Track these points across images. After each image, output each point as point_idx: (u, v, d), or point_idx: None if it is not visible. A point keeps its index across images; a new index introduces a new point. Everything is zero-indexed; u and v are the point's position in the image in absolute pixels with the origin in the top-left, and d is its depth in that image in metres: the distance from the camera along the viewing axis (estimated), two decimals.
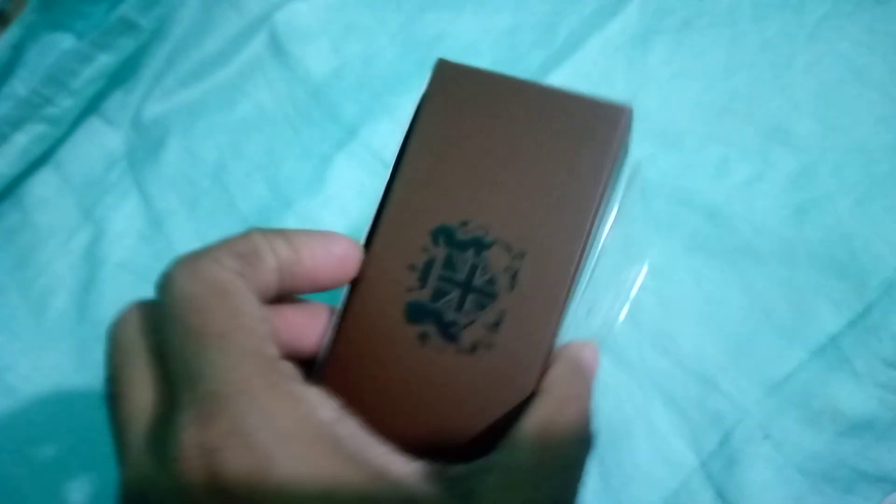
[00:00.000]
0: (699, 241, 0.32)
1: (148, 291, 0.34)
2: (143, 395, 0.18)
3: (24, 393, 0.34)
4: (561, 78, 0.33)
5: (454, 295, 0.19)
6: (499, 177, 0.20)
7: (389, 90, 0.34)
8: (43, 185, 0.36)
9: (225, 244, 0.18)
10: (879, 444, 0.30)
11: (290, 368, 0.18)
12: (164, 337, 0.18)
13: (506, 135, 0.20)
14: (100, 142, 0.36)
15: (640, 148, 0.33)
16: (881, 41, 0.32)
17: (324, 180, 0.34)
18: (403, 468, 0.17)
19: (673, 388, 0.31)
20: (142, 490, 0.17)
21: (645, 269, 0.32)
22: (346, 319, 0.20)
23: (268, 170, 0.35)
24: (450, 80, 0.20)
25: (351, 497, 0.15)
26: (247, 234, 0.19)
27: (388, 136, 0.34)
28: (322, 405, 0.17)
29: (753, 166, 0.32)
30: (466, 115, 0.20)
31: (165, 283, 0.18)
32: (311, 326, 0.20)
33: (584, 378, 0.20)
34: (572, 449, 0.18)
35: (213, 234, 0.34)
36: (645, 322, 0.32)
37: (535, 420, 0.18)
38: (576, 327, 0.23)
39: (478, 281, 0.19)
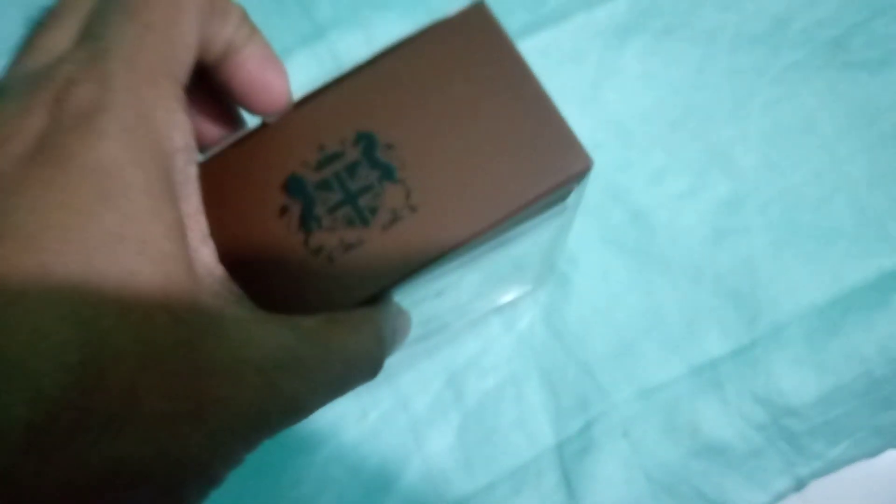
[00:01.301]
0: (618, 236, 0.32)
1: None
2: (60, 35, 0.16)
3: None
4: (536, 43, 0.33)
5: (335, 197, 0.19)
6: (447, 134, 0.19)
7: (369, 3, 0.34)
8: None
9: None
10: (727, 472, 0.31)
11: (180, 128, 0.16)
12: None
13: (479, 105, 0.20)
14: None
15: (590, 134, 0.33)
16: (839, 101, 0.33)
17: None
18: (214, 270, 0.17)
19: (552, 366, 0.31)
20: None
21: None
22: (239, 146, 0.19)
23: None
24: (470, 26, 0.20)
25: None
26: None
27: (355, 46, 0.33)
28: (178, 147, 0.16)
29: (689, 182, 0.33)
30: (462, 62, 0.20)
31: None
32: (219, 123, 0.19)
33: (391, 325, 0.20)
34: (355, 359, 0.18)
35: None
36: (543, 299, 0.32)
37: (329, 319, 0.18)
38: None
39: (363, 202, 0.19)
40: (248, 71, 0.18)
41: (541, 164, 0.19)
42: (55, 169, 0.14)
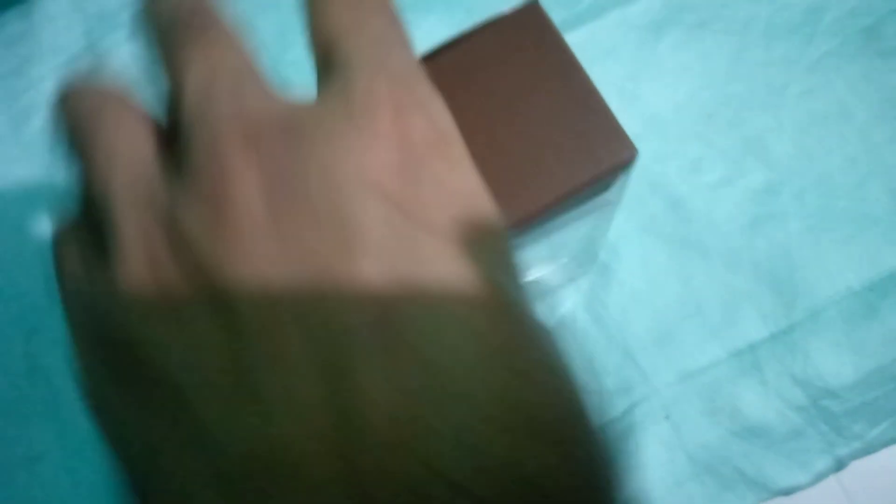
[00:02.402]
0: (656, 225, 0.33)
1: None
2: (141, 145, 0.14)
3: None
4: (573, 39, 0.34)
5: None
6: (498, 123, 0.20)
7: (411, 6, 0.35)
8: (55, 3, 0.36)
9: None
10: (766, 452, 0.32)
11: None
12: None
13: (530, 96, 0.20)
14: None
15: (627, 127, 0.34)
16: (873, 89, 0.34)
17: None
18: None
19: (594, 350, 0.32)
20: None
21: None
22: None
23: (274, 50, 0.35)
24: (524, 23, 0.20)
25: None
26: None
27: None
28: None
29: (725, 171, 0.33)
30: (515, 56, 0.20)
31: None
32: None
33: None
34: None
35: None
36: (585, 287, 0.33)
37: None
38: None
39: None
40: None
41: (588, 153, 0.20)
42: None
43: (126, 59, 0.36)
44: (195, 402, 0.12)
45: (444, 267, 0.13)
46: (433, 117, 0.15)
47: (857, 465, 0.32)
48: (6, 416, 0.33)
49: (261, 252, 0.12)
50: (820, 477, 0.32)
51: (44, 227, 0.34)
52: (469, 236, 0.14)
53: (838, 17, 0.34)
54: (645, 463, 0.31)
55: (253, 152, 0.13)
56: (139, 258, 0.13)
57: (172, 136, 0.14)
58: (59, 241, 0.15)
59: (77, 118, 0.15)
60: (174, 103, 0.15)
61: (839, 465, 0.32)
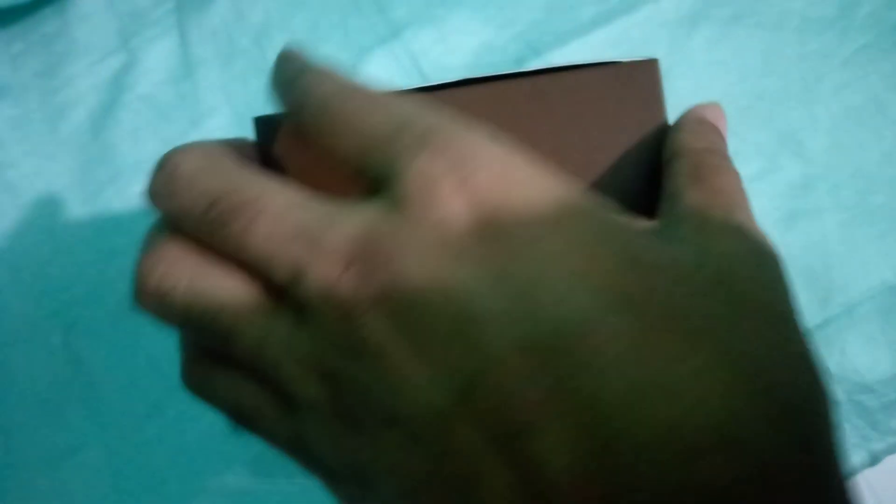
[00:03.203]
0: None
1: (164, 128, 0.35)
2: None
3: (23, 192, 0.35)
4: (606, 35, 0.34)
5: None
6: (564, 160, 0.19)
7: (442, 2, 0.35)
8: (89, 1, 0.36)
9: None
10: None
11: None
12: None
13: (606, 146, 0.20)
14: None
15: None
16: None
17: (358, 69, 0.35)
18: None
19: None
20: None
21: None
22: None
23: (307, 46, 0.35)
24: (634, 77, 0.21)
25: (577, 202, 0.15)
26: None
27: (429, 44, 0.35)
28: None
29: (760, 166, 0.33)
30: (610, 105, 0.20)
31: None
32: None
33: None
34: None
35: (239, 93, 0.36)
36: None
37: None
38: None
39: None
40: None
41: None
42: None
43: (157, 57, 0.36)
44: None
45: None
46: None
47: (891, 461, 0.32)
48: (46, 406, 0.33)
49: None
50: (854, 471, 0.32)
51: (79, 222, 0.34)
52: None
53: (873, 10, 0.34)
54: None
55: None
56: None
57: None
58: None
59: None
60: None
61: (874, 460, 0.32)
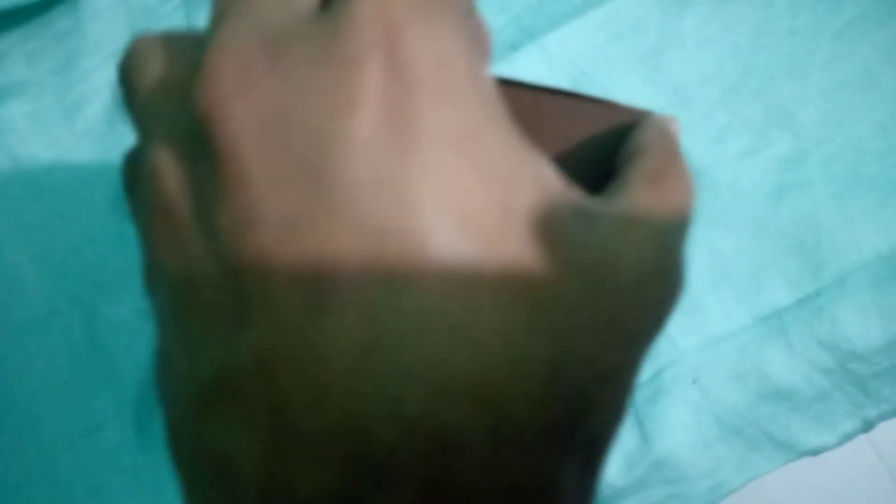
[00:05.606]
0: None
1: None
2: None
3: (44, 184, 0.37)
4: (598, 15, 0.35)
5: None
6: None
7: None
8: None
9: None
10: (793, 414, 0.33)
11: None
12: None
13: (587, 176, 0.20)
14: None
15: (653, 100, 0.35)
16: None
17: None
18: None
19: None
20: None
21: None
22: None
23: None
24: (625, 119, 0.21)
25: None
26: None
27: None
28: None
29: (750, 140, 0.34)
30: (597, 146, 0.20)
31: None
32: None
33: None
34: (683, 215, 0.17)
35: None
36: None
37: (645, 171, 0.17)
38: None
39: None
40: None
41: None
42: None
43: None
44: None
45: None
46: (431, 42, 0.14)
47: (886, 425, 0.33)
48: (69, 388, 0.35)
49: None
50: (847, 438, 0.33)
51: (98, 211, 0.36)
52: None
53: None
54: (673, 426, 0.33)
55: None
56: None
57: None
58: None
59: None
60: None
61: (867, 426, 0.33)
